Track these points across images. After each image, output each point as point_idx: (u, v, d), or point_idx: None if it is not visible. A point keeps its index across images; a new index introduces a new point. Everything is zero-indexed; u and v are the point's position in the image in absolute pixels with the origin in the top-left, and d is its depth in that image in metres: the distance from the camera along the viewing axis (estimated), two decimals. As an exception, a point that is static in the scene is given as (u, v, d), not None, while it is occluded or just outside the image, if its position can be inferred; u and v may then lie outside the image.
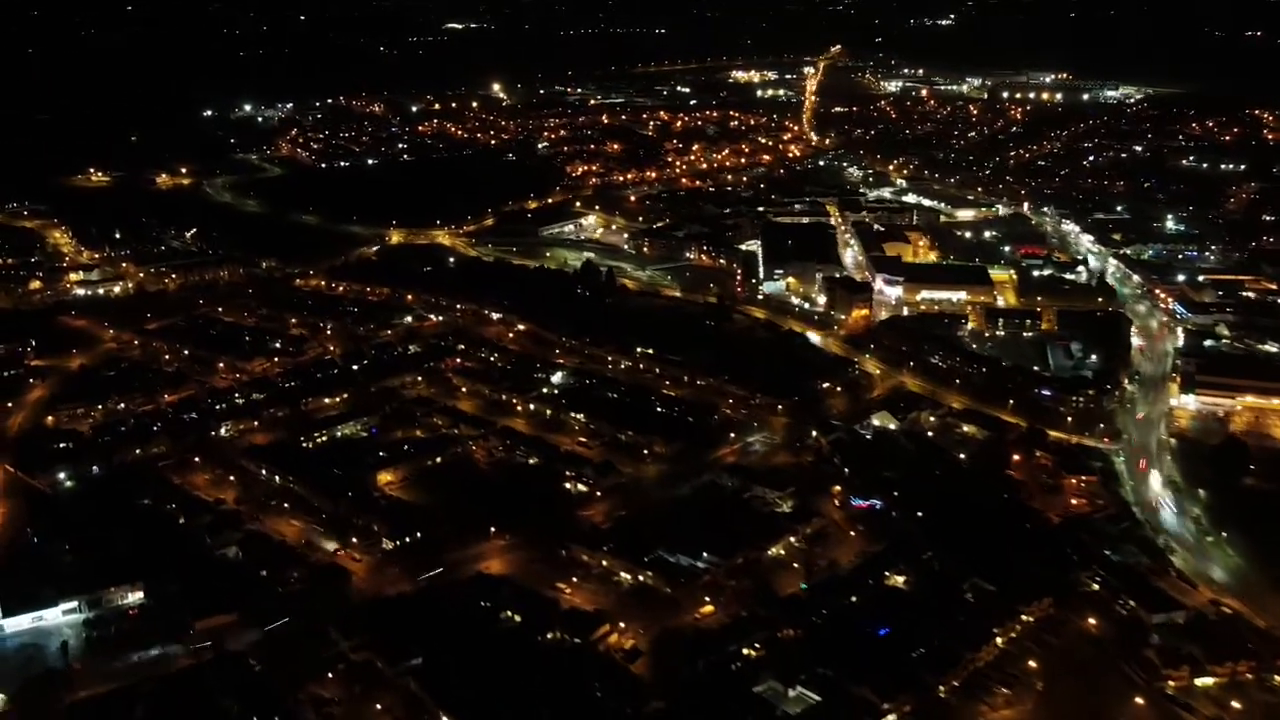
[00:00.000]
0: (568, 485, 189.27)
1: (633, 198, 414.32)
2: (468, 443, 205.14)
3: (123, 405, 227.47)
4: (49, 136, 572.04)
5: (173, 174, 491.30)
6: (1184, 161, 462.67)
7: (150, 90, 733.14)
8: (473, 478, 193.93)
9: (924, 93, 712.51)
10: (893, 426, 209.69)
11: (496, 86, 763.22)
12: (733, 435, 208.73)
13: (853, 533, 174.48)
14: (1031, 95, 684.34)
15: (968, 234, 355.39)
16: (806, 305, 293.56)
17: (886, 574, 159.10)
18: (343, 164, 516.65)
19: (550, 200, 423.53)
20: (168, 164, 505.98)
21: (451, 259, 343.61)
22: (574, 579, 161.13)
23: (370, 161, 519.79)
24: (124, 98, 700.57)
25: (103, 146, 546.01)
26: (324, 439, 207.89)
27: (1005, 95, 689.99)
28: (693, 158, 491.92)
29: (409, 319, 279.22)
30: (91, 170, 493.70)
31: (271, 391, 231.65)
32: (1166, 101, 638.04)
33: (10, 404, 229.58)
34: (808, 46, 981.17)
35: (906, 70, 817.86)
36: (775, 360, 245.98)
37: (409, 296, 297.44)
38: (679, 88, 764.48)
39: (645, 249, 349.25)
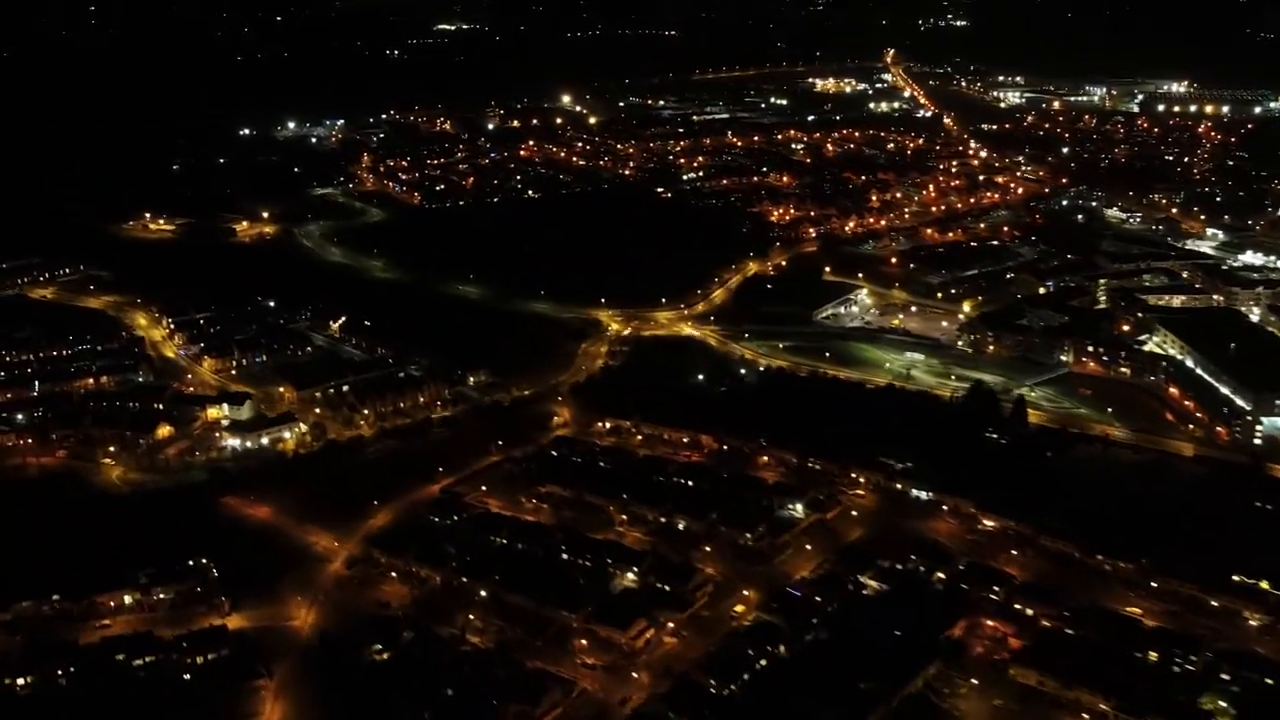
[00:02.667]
0: None
1: (893, 260, 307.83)
2: None
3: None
4: (73, 165, 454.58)
5: (251, 218, 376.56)
6: None
7: (164, 102, 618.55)
8: None
9: (1055, 105, 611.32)
10: None
11: (567, 98, 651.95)
12: None
13: None
14: (1193, 108, 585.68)
15: None
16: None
17: None
18: (459, 203, 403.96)
19: (782, 262, 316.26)
20: (235, 203, 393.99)
21: (743, 370, 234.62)
22: None
23: (493, 200, 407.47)
24: (140, 113, 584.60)
25: (144, 179, 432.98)
26: None
27: (1160, 109, 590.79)
28: (899, 195, 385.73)
29: (799, 508, 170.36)
30: (147, 215, 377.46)
31: (717, 714, 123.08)
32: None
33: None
34: (839, 49, 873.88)
35: (1002, 78, 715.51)
36: None
37: (762, 456, 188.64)
38: (774, 99, 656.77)
39: (989, 345, 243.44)
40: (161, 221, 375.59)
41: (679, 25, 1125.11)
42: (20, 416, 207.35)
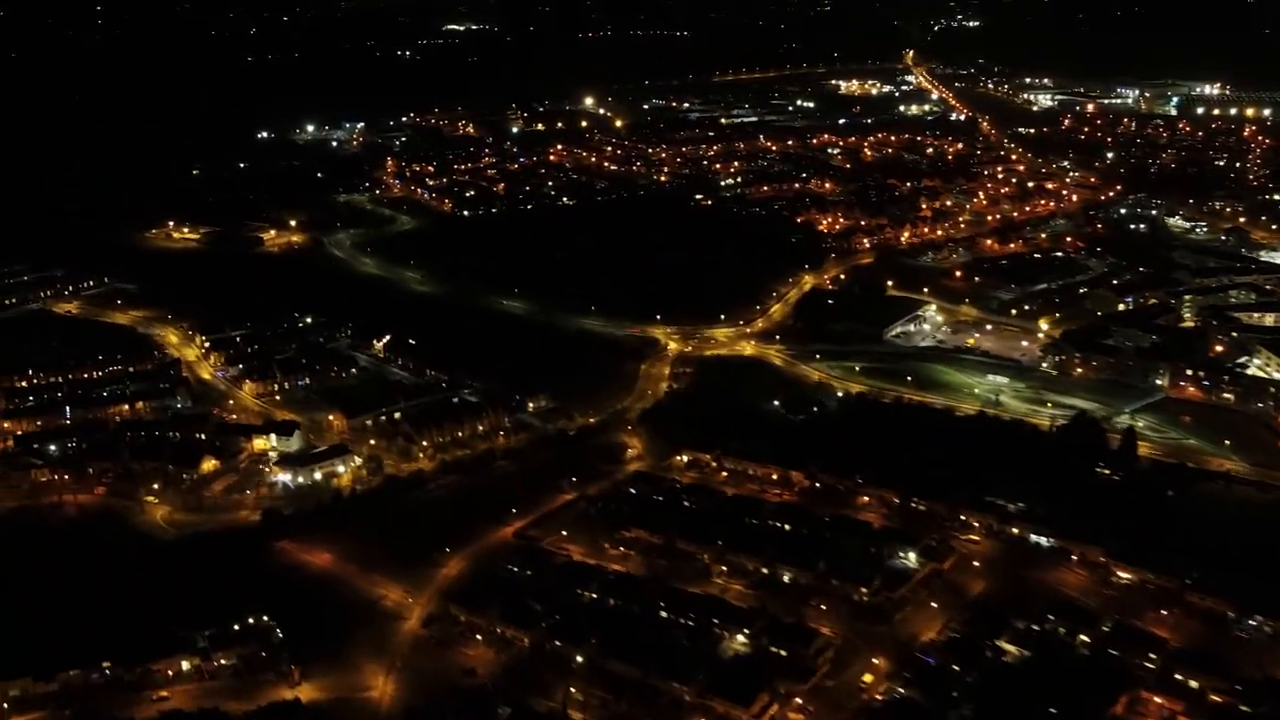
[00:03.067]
0: None
1: (958, 273, 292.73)
2: None
3: None
4: (90, 170, 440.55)
5: (278, 226, 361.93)
6: None
7: (177, 105, 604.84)
8: None
9: (1090, 108, 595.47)
10: None
11: (589, 100, 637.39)
12: None
13: None
14: (1233, 111, 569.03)
15: None
16: None
17: None
18: (491, 210, 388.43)
19: (841, 275, 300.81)
20: (261, 210, 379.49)
21: (821, 395, 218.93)
22: None
23: (527, 207, 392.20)
24: (152, 115, 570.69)
25: (164, 185, 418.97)
26: None
27: (1199, 111, 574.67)
28: (949, 204, 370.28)
29: (912, 557, 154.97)
30: (170, 223, 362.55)
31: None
32: None
33: None
34: (855, 50, 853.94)
35: (1030, 79, 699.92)
36: None
37: (861, 496, 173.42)
38: (800, 101, 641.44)
39: (1076, 368, 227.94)
40: (185, 230, 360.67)
41: (688, 26, 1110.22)
42: (53, 448, 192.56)
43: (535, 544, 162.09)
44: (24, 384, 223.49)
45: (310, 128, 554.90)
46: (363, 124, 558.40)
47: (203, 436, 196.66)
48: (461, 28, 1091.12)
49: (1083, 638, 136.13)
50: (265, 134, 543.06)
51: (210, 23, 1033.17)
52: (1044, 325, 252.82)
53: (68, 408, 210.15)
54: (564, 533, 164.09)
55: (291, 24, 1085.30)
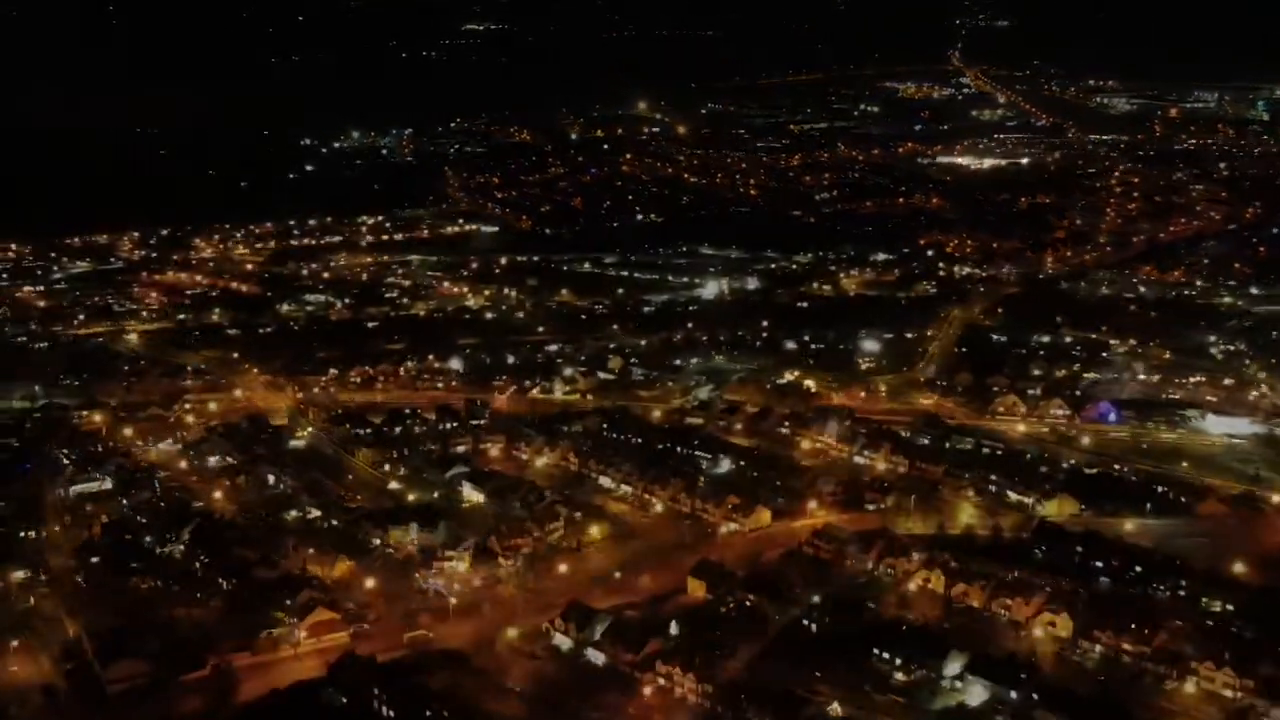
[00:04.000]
0: None
1: (1132, 307, 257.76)
2: None
3: None
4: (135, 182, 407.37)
5: (348, 246, 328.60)
6: None
7: (205, 108, 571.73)
8: None
9: (1172, 113, 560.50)
10: None
11: (643, 105, 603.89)
12: None
13: None
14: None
15: None
16: None
17: None
18: (574, 227, 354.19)
19: (997, 309, 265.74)
20: (321, 227, 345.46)
21: (1042, 466, 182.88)
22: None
23: (613, 225, 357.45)
24: (177, 117, 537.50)
25: (214, 197, 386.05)
26: None
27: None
28: (1079, 222, 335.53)
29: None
30: (230, 244, 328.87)
31: None
32: None
33: None
34: (886, 50, 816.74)
35: (1093, 81, 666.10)
36: None
37: (1171, 619, 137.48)
38: (864, 106, 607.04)
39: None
40: (246, 251, 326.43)
41: (708, 25, 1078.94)
42: (149, 539, 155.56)
43: (790, 692, 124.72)
44: (99, 448, 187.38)
45: (355, 134, 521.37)
46: (410, 130, 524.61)
47: (327, 526, 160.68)
48: (480, 27, 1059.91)
49: None
50: (308, 141, 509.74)
51: (223, 22, 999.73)
52: (1260, 373, 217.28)
53: (156, 483, 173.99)
54: (817, 673, 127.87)
55: (306, 23, 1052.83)
